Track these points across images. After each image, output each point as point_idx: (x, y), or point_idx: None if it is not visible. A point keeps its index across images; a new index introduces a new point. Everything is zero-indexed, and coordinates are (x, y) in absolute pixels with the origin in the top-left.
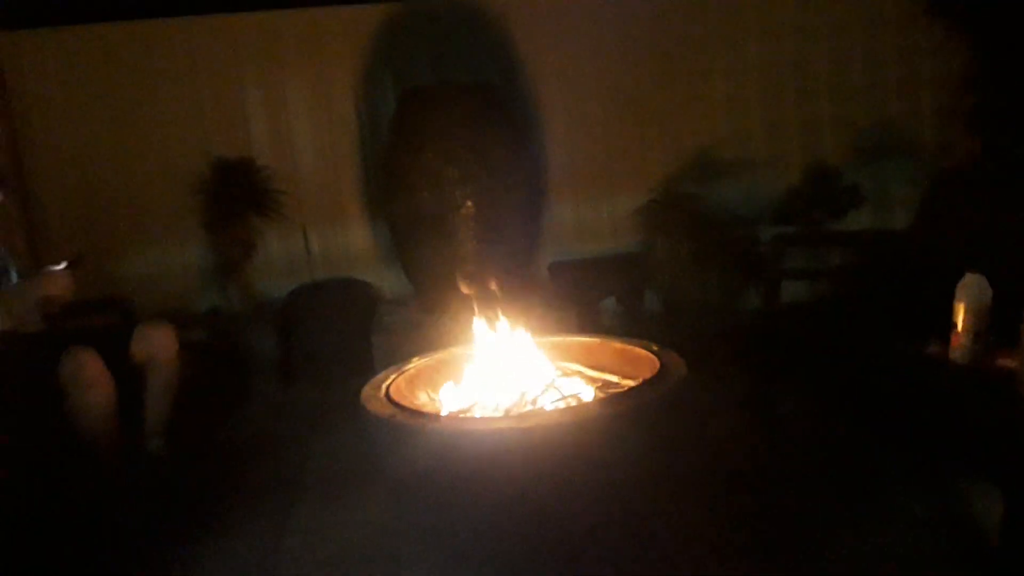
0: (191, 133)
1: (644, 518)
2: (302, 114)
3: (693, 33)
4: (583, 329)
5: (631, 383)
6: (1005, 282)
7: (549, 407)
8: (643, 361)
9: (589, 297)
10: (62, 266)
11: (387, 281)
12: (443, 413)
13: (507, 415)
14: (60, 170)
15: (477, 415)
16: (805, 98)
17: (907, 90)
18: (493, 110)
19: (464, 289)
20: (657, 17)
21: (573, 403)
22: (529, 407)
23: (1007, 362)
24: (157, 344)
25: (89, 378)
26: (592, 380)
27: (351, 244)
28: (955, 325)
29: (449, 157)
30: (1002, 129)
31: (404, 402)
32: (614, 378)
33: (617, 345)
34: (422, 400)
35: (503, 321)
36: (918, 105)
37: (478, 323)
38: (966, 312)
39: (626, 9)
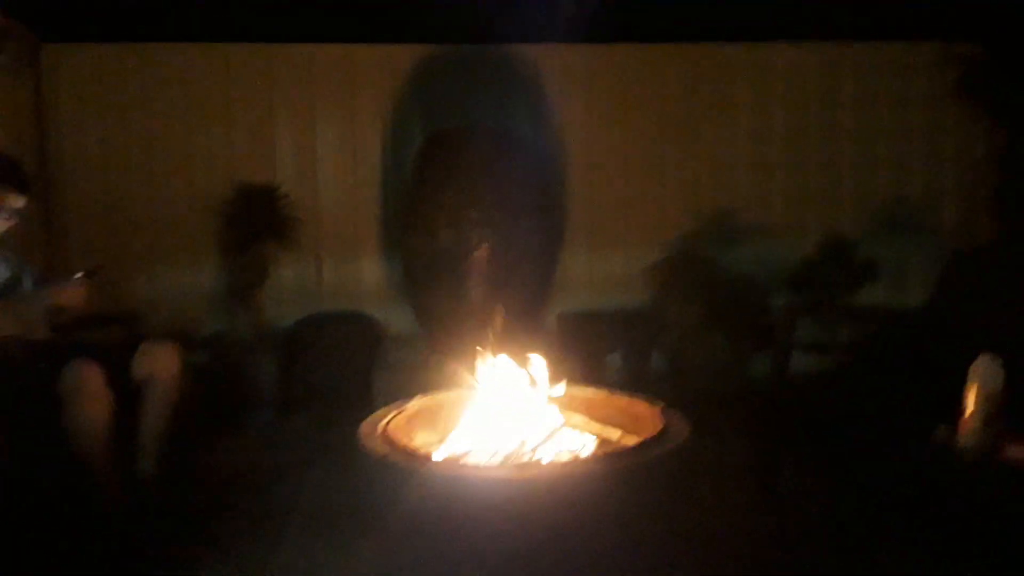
0: (218, 156)
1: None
2: (329, 145)
3: (721, 96)
4: (587, 382)
5: (633, 440)
6: (1019, 369)
7: (548, 459)
8: (646, 419)
9: (596, 350)
10: (78, 277)
11: (395, 318)
12: (441, 456)
13: (505, 463)
14: (85, 183)
15: (475, 461)
16: (828, 168)
17: (930, 168)
18: (517, 156)
19: (474, 327)
20: (687, 78)
21: (573, 457)
22: (528, 457)
23: (1017, 451)
24: (159, 363)
25: (89, 392)
26: (594, 434)
27: (363, 278)
28: (966, 408)
29: (470, 199)
30: (1021, 212)
31: (401, 442)
32: (616, 434)
33: (621, 400)
34: (421, 441)
35: (508, 366)
36: (940, 183)
37: (483, 366)
38: (977, 396)
39: (656, 69)
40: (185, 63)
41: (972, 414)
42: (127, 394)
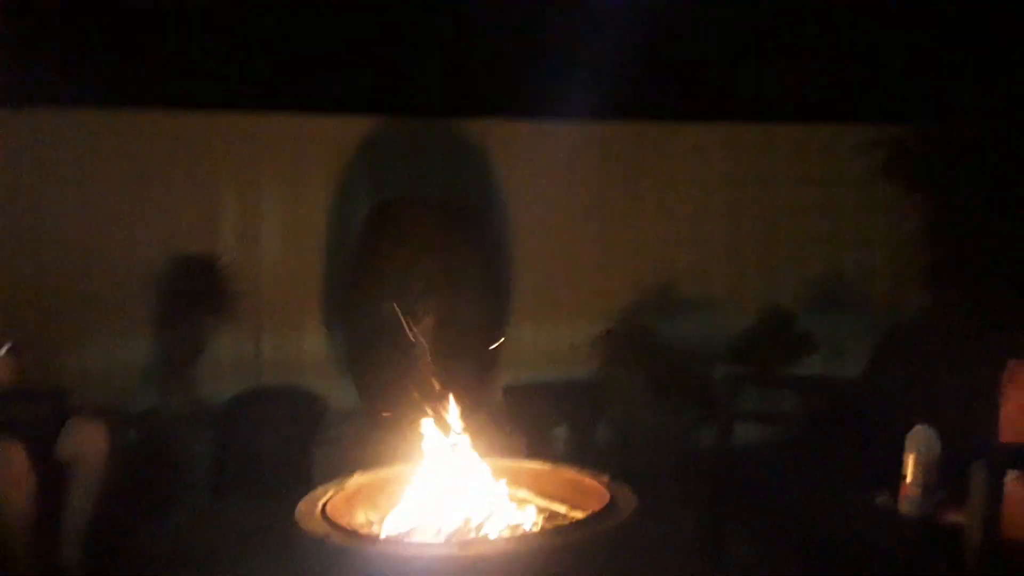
0: (157, 227)
1: None
2: (272, 216)
3: (662, 172)
4: (533, 455)
5: (579, 515)
6: (954, 436)
7: (493, 535)
8: (593, 492)
9: (542, 423)
10: (2, 352)
11: (336, 392)
12: (382, 535)
13: (449, 541)
14: (14, 249)
15: (418, 539)
16: (766, 244)
17: (862, 244)
18: (464, 227)
19: (418, 400)
20: (631, 154)
21: (519, 532)
22: (473, 534)
23: (955, 517)
24: (86, 442)
25: (10, 476)
26: (540, 509)
27: (304, 350)
28: (904, 476)
29: (414, 269)
30: (953, 286)
31: (341, 522)
32: (563, 508)
33: (568, 474)
34: (361, 520)
35: (453, 440)
36: (872, 259)
37: (427, 440)
38: (915, 464)
39: (602, 146)
40: (123, 130)
41: (911, 481)
42: (52, 474)
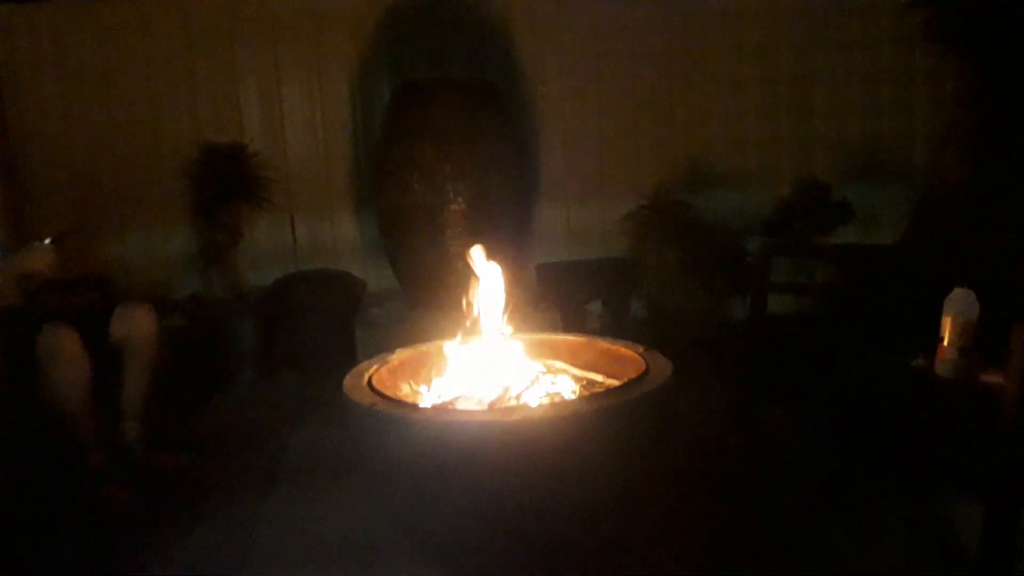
0: (183, 117)
1: (625, 515)
2: (296, 101)
3: (691, 45)
4: (568, 331)
5: (615, 382)
6: (993, 299)
7: (533, 402)
8: (628, 361)
9: (575, 300)
10: (46, 242)
11: (373, 274)
12: (427, 403)
13: (491, 408)
14: (48, 147)
15: (461, 407)
16: (799, 114)
17: (900, 111)
18: (489, 107)
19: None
20: (658, 27)
21: (557, 399)
22: (513, 402)
23: (993, 378)
24: (137, 325)
25: (66, 355)
26: (577, 378)
27: (338, 236)
28: (942, 339)
29: (442, 151)
30: (992, 153)
31: (387, 392)
32: (599, 377)
33: (603, 345)
34: (405, 391)
35: (489, 316)
36: (911, 126)
37: (465, 316)
38: (953, 326)
39: (628, 18)
40: (144, 19)
41: (948, 344)
42: (105, 358)
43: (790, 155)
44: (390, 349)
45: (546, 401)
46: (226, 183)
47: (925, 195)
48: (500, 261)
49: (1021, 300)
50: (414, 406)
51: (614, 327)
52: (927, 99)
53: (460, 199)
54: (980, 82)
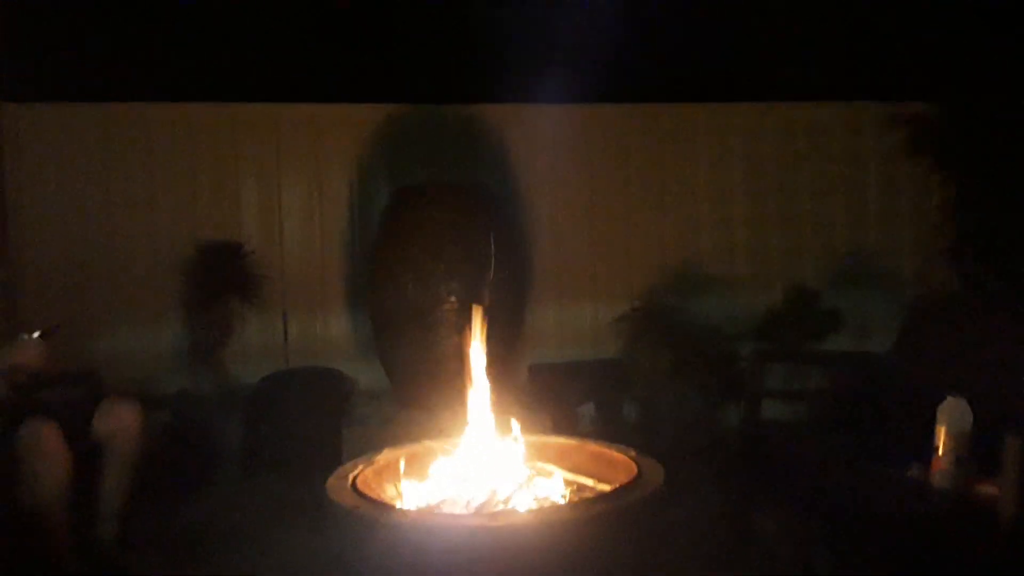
0: (182, 215)
1: None
2: (294, 202)
3: (683, 153)
4: (560, 433)
5: (607, 487)
6: (985, 409)
7: (522, 507)
8: (620, 465)
9: (567, 401)
10: (35, 335)
11: (363, 373)
12: (411, 507)
13: (477, 513)
14: (45, 240)
15: (446, 511)
16: (788, 223)
17: (886, 221)
18: (483, 210)
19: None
20: (651, 137)
21: (547, 504)
22: (501, 506)
23: (988, 489)
24: (121, 421)
25: (46, 451)
26: (567, 482)
27: (330, 334)
28: (936, 449)
29: (436, 252)
30: (978, 261)
31: (371, 494)
32: (590, 481)
33: (594, 448)
34: (390, 493)
35: (480, 418)
36: (897, 236)
37: (454, 418)
38: (947, 436)
39: (621, 128)
40: (148, 122)
41: (943, 454)
42: (87, 454)
43: (779, 263)
44: (378, 449)
45: (535, 506)
46: (219, 280)
47: (915, 304)
48: (492, 361)
49: (1013, 410)
50: (398, 509)
51: (606, 431)
52: (912, 210)
53: (453, 298)
54: (964, 194)
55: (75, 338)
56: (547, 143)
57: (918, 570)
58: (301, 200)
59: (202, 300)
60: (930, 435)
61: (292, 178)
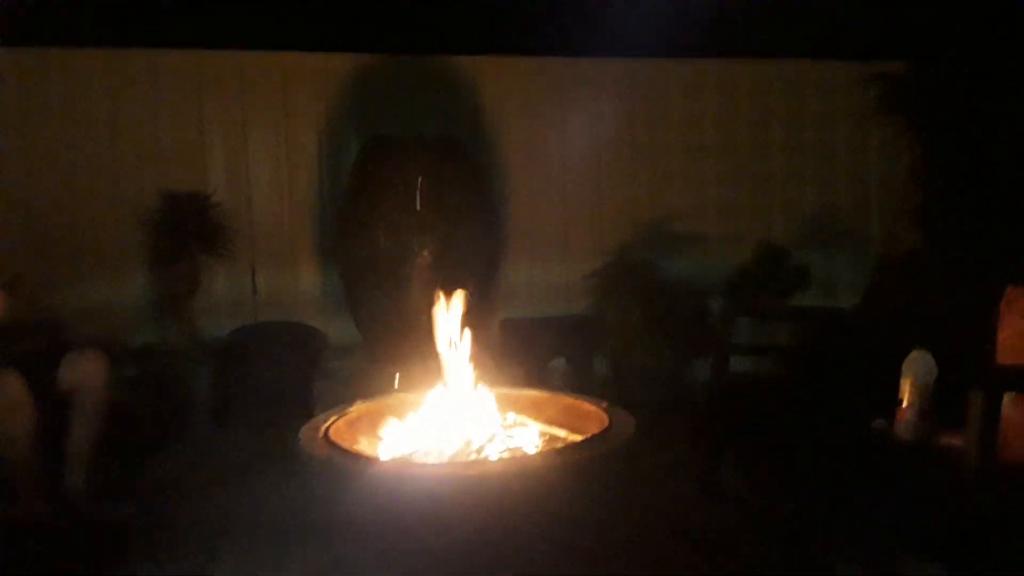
0: (146, 166)
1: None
2: (262, 154)
3: (655, 110)
4: (532, 387)
5: (578, 437)
6: (949, 362)
7: (494, 457)
8: (591, 417)
9: (539, 356)
10: None
11: (334, 327)
12: (384, 458)
13: (451, 462)
14: (7, 191)
15: (420, 461)
16: (759, 181)
17: (855, 181)
18: (455, 164)
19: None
20: (622, 93)
21: (519, 454)
22: (474, 456)
23: (951, 440)
24: (86, 372)
25: (11, 401)
26: (540, 433)
27: (300, 288)
28: (901, 401)
29: (408, 206)
30: (945, 220)
31: (344, 445)
32: (562, 432)
33: (566, 400)
34: (363, 444)
35: (452, 370)
36: (865, 196)
37: (426, 370)
38: (912, 388)
39: (593, 83)
40: (111, 70)
41: (907, 406)
42: (53, 404)
43: (749, 220)
44: (349, 402)
45: (507, 456)
46: (186, 232)
47: (881, 261)
48: (464, 315)
49: (976, 364)
50: (371, 458)
51: (577, 385)
52: (881, 170)
53: (425, 252)
54: (934, 154)
55: (39, 290)
56: (520, 96)
57: (882, 520)
58: (269, 151)
59: (168, 252)
60: (895, 388)
61: (259, 128)
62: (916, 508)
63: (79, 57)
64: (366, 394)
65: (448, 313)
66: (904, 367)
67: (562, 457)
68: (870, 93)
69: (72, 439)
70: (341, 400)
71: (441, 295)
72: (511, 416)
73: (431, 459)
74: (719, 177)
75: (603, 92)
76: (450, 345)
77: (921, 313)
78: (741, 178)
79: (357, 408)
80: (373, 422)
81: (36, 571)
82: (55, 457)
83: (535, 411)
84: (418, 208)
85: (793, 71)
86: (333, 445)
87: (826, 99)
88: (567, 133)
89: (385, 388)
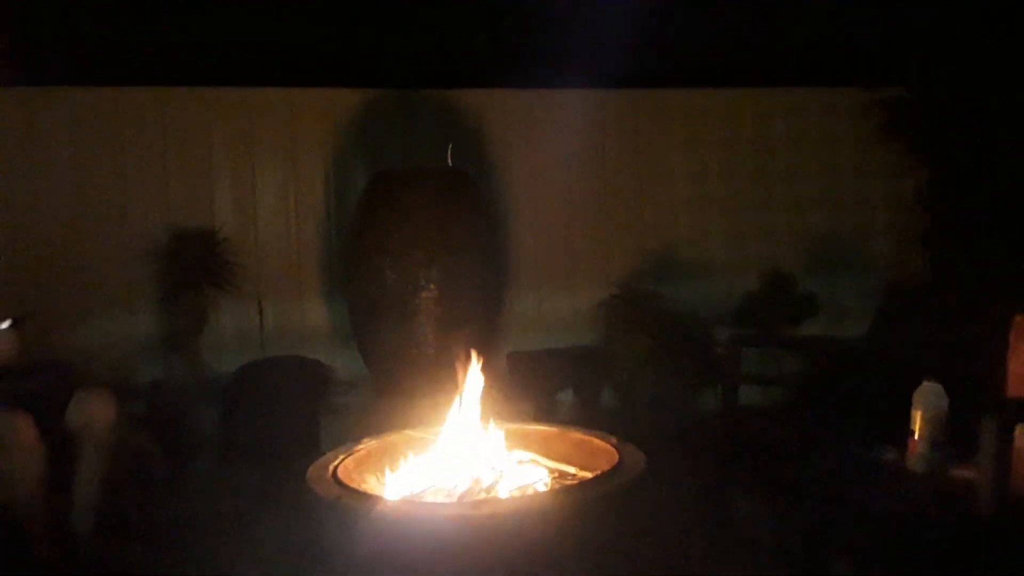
0: (153, 202)
1: None
2: (269, 189)
3: (659, 140)
4: (540, 420)
5: (588, 474)
6: (962, 392)
7: (504, 495)
8: (601, 453)
9: (546, 388)
10: (5, 326)
11: (341, 361)
12: (393, 497)
13: (460, 502)
14: (14, 227)
15: (429, 500)
16: (764, 208)
17: (860, 206)
18: (461, 196)
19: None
20: (627, 122)
21: (529, 492)
22: (483, 495)
23: (964, 472)
24: (94, 411)
25: (18, 443)
26: (550, 470)
27: (307, 322)
28: (912, 432)
29: (414, 239)
30: (952, 246)
31: (352, 484)
32: (572, 469)
33: (576, 436)
34: (371, 483)
35: (460, 406)
36: (871, 221)
37: (433, 407)
38: (923, 420)
39: (597, 113)
40: (118, 107)
41: (919, 438)
42: (61, 444)
43: (755, 248)
44: (356, 438)
45: (517, 494)
46: (193, 267)
47: (890, 289)
48: (471, 349)
49: (987, 395)
50: (380, 499)
51: (585, 417)
52: (887, 195)
53: (431, 286)
54: (939, 178)
55: (46, 328)
56: (524, 128)
57: (894, 553)
58: (276, 186)
59: (175, 288)
60: (906, 419)
61: (267, 163)
62: (929, 541)
63: (85, 95)
64: (374, 429)
65: (452, 348)
66: (915, 398)
67: (572, 495)
68: (874, 119)
69: (79, 479)
70: (349, 435)
71: (445, 330)
72: (520, 453)
73: (440, 498)
74: (724, 203)
75: (607, 122)
76: (458, 380)
77: (931, 342)
78: (746, 205)
79: (365, 445)
80: (381, 460)
81: None
82: (63, 498)
83: (544, 447)
84: (424, 242)
85: (797, 97)
86: (342, 485)
87: (830, 124)
88: (571, 163)
89: (393, 423)
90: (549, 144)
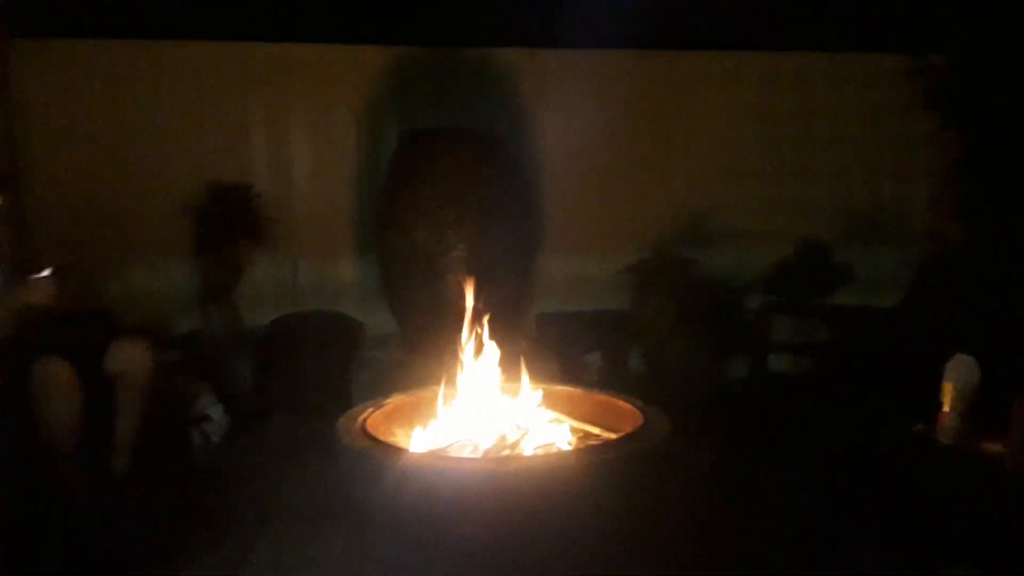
0: (190, 155)
1: (616, 571)
2: (303, 145)
3: (695, 103)
4: (566, 381)
5: (613, 435)
6: (993, 366)
7: (529, 452)
8: (626, 415)
9: (574, 350)
10: (46, 274)
11: (372, 318)
12: (420, 450)
13: (485, 457)
14: (55, 179)
15: (455, 454)
16: (800, 176)
17: (900, 176)
18: (493, 156)
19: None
20: (662, 85)
21: (553, 450)
22: (508, 451)
23: (993, 446)
24: (132, 359)
25: (58, 388)
26: (574, 430)
27: (339, 278)
28: (942, 405)
29: (446, 199)
30: (991, 218)
31: (380, 436)
32: (596, 430)
33: (601, 397)
34: (399, 436)
35: (488, 364)
36: (911, 191)
37: (463, 363)
38: (954, 392)
39: (631, 74)
40: (157, 60)
41: (949, 410)
42: (100, 390)
43: (791, 216)
44: (386, 393)
45: (541, 452)
46: (230, 222)
47: (927, 260)
48: (500, 309)
49: (1020, 369)
50: (407, 451)
51: (612, 380)
52: (927, 165)
53: (462, 246)
54: (979, 148)
55: (87, 279)
56: (558, 89)
57: (920, 523)
58: (310, 142)
59: (212, 241)
60: (936, 391)
61: (301, 120)
62: (956, 513)
63: (126, 48)
64: (403, 385)
65: (483, 307)
66: (946, 370)
67: (596, 455)
68: (914, 86)
69: (117, 425)
70: (379, 389)
71: (476, 289)
72: (546, 412)
73: (465, 453)
74: (759, 171)
75: (642, 84)
76: (486, 339)
77: (965, 314)
78: (782, 172)
79: (394, 400)
80: (409, 414)
81: (79, 556)
82: (101, 442)
83: (570, 407)
84: (455, 201)
85: (836, 63)
86: (369, 436)
87: (869, 92)
88: (605, 126)
89: (422, 379)
90: (582, 105)
